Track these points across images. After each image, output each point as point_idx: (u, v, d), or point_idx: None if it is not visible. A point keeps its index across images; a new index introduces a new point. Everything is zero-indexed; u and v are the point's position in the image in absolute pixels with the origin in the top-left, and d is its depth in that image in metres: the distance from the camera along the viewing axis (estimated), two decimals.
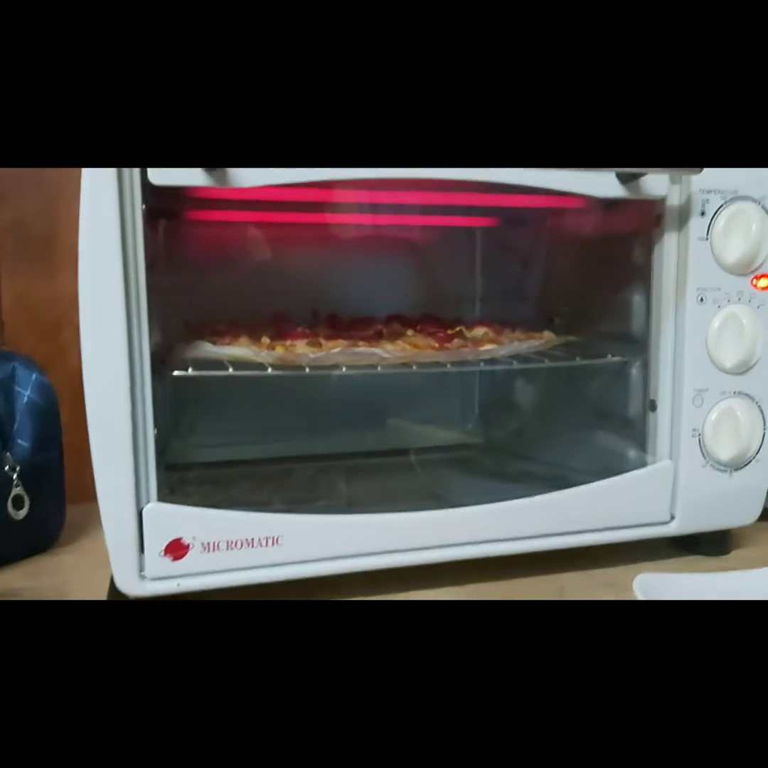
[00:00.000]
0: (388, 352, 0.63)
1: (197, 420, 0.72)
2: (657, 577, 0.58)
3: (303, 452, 0.80)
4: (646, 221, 0.65)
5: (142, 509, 0.54)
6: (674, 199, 0.63)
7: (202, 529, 0.55)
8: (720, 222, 0.64)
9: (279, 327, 0.69)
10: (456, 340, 0.68)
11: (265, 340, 0.65)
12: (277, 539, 0.56)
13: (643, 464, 0.67)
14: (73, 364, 0.86)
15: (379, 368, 0.62)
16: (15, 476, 0.66)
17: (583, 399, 0.76)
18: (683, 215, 0.64)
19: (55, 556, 0.72)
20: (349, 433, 0.83)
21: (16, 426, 0.67)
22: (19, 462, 0.67)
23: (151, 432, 0.54)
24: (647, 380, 0.68)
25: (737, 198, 0.64)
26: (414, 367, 0.63)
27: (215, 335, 0.65)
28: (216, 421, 0.76)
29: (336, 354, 0.61)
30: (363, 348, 0.62)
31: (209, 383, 0.58)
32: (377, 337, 0.67)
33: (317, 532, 0.58)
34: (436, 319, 0.78)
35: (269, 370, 0.60)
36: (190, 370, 0.58)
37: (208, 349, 0.62)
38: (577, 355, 0.71)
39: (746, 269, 0.65)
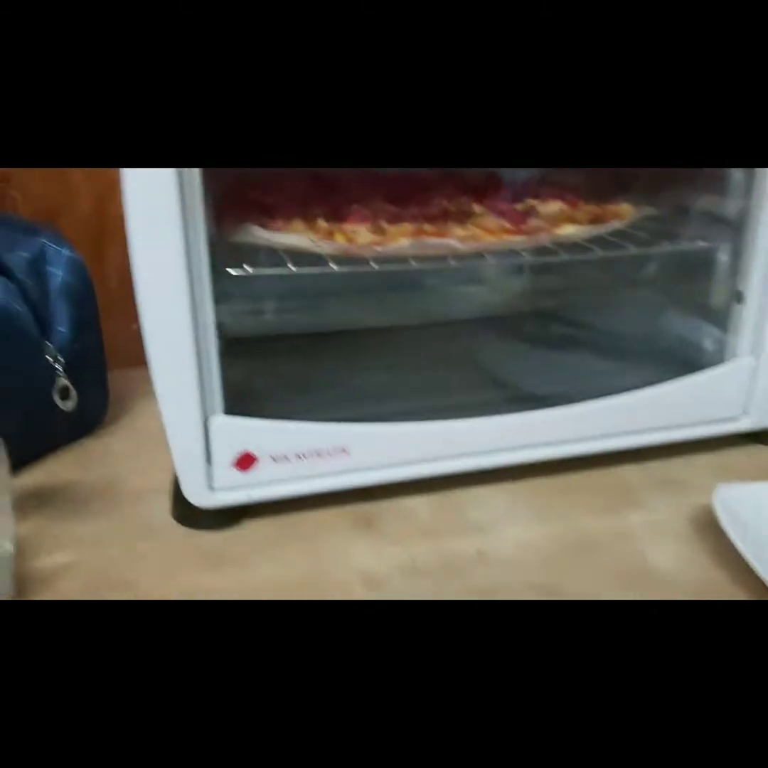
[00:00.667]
0: (461, 242, 0.57)
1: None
2: (737, 488, 0.56)
3: (349, 325, 0.75)
4: None
5: (208, 422, 0.51)
6: None
7: (270, 441, 0.52)
8: None
9: (328, 199, 0.62)
10: (531, 221, 0.61)
11: (322, 224, 0.58)
12: (344, 449, 0.54)
13: (719, 358, 0.64)
14: (84, 208, 0.79)
15: (451, 261, 0.56)
16: (59, 366, 0.62)
17: (658, 280, 0.71)
18: None
19: (101, 439, 0.70)
20: (393, 302, 0.78)
21: (51, 311, 0.62)
22: (59, 349, 0.62)
23: (213, 339, 0.49)
24: (737, 269, 0.62)
25: None
26: (488, 258, 0.57)
27: (262, 212, 0.58)
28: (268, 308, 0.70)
29: (405, 247, 0.55)
30: (432, 239, 0.56)
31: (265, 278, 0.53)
32: (443, 218, 0.60)
33: (383, 440, 0.55)
34: (499, 183, 0.70)
35: (333, 266, 0.54)
36: (246, 267, 0.52)
37: (260, 235, 0.56)
38: (660, 237, 0.64)
39: None
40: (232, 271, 0.51)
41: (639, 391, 0.60)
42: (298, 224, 0.57)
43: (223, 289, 0.50)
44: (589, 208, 0.67)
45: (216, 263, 0.49)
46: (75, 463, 0.65)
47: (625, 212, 0.67)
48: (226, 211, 0.57)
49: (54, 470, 0.64)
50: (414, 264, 0.55)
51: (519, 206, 0.65)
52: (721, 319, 0.64)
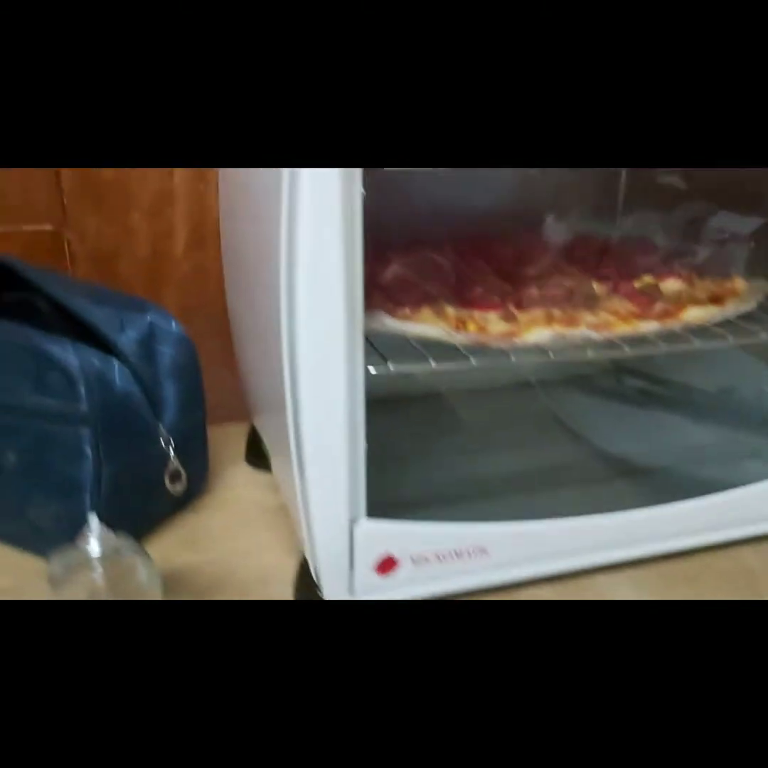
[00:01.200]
0: (595, 329, 0.55)
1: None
2: None
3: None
4: None
5: (353, 526, 0.49)
6: None
7: (411, 543, 0.51)
8: None
9: (444, 277, 0.60)
10: (658, 305, 0.60)
11: (450, 311, 0.56)
12: (483, 549, 0.53)
13: None
14: (141, 251, 0.78)
15: (589, 352, 0.55)
16: (172, 450, 0.60)
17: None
18: None
19: (200, 514, 0.68)
20: None
21: (162, 391, 0.61)
22: (169, 430, 0.61)
23: (363, 441, 0.48)
24: None
25: None
26: (626, 349, 0.56)
27: (388, 298, 0.56)
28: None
29: (544, 339, 0.53)
30: (569, 330, 0.55)
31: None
32: (568, 299, 0.59)
33: (521, 540, 0.54)
34: (612, 253, 0.69)
35: (472, 360, 0.52)
36: (390, 365, 0.50)
37: (390, 324, 0.54)
38: None
39: None
40: (373, 370, 0.49)
41: (757, 484, 0.59)
42: (427, 312, 0.56)
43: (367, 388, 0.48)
44: (705, 285, 0.65)
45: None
46: (182, 544, 0.63)
47: (740, 288, 0.66)
48: None
49: (164, 553, 0.62)
50: (552, 356, 0.54)
51: (637, 284, 0.63)
52: None
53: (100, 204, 0.77)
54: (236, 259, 0.64)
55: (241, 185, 0.57)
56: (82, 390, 0.53)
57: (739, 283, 0.66)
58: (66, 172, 0.75)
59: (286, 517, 0.64)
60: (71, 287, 0.62)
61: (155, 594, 0.49)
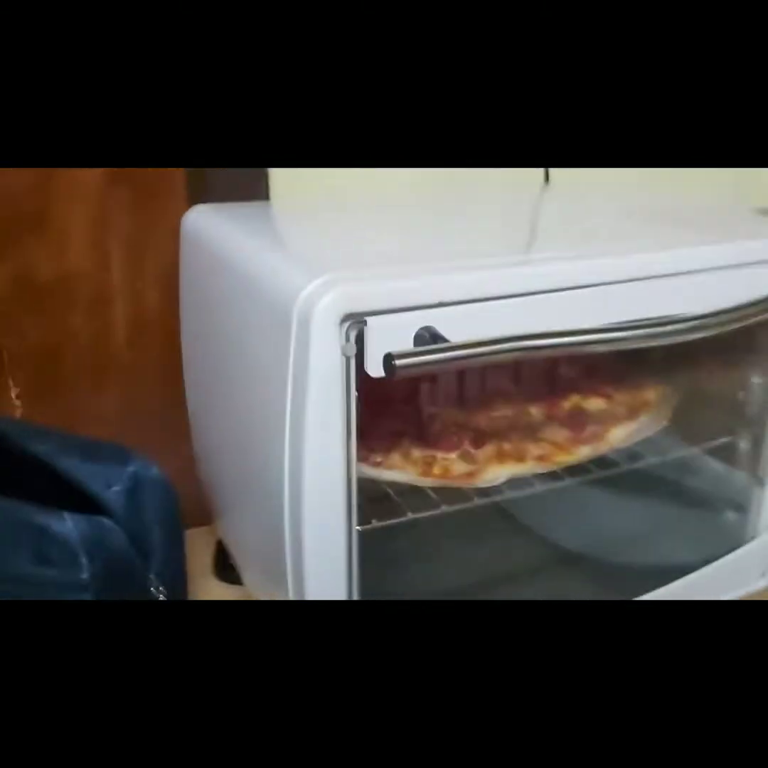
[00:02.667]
0: (540, 463, 0.64)
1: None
2: None
3: None
4: None
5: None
6: None
7: None
8: None
9: (412, 418, 0.68)
10: (588, 428, 0.69)
11: (417, 454, 0.63)
12: None
13: (739, 535, 0.74)
14: (83, 349, 0.79)
15: (536, 486, 0.63)
16: (161, 595, 0.64)
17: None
18: None
19: None
20: None
21: (150, 540, 0.65)
22: (158, 574, 0.65)
23: (356, 587, 0.54)
24: (757, 458, 0.72)
25: None
26: (565, 480, 0.65)
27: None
28: None
29: (500, 479, 0.62)
30: (517, 467, 0.63)
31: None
32: (513, 429, 0.67)
33: None
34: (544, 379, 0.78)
35: (444, 507, 0.59)
36: (373, 521, 0.57)
37: (365, 471, 0.61)
38: (690, 434, 0.73)
39: None
40: (359, 528, 0.55)
41: (684, 579, 0.69)
42: (396, 456, 0.63)
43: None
44: (622, 399, 0.75)
45: None
46: None
47: (652, 398, 0.76)
48: None
49: None
50: (508, 494, 0.62)
51: (567, 405, 0.73)
52: (742, 500, 0.74)
53: (37, 307, 0.79)
54: (212, 375, 0.68)
55: (221, 304, 0.61)
56: (84, 560, 0.57)
57: (651, 394, 0.76)
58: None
59: None
60: (47, 439, 0.65)
61: None
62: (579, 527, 0.80)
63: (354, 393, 0.47)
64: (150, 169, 0.81)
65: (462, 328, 0.47)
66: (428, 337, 0.46)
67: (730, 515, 0.76)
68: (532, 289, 0.51)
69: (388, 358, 0.43)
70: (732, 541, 0.73)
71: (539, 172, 0.90)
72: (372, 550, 0.55)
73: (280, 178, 0.79)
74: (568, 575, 0.75)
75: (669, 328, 0.52)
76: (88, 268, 0.81)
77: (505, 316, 0.49)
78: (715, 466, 0.76)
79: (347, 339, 0.45)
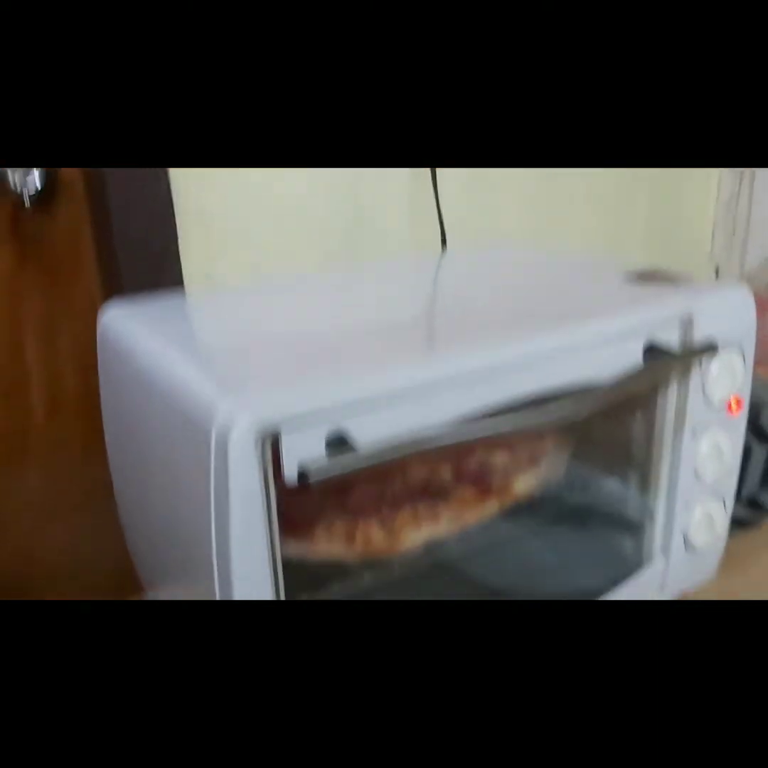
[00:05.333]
0: (452, 523, 0.70)
1: None
2: None
3: None
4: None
5: None
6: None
7: None
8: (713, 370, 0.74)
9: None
10: (494, 483, 0.76)
11: (339, 525, 0.68)
12: None
13: (636, 559, 0.82)
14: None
15: (453, 546, 0.69)
16: None
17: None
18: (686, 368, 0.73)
19: None
20: None
21: None
22: None
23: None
24: (645, 495, 0.80)
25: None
26: (477, 539, 0.71)
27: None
28: None
29: (416, 546, 0.67)
30: (430, 529, 0.68)
31: None
32: (426, 491, 0.73)
33: None
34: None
35: (367, 578, 0.64)
36: (302, 597, 0.61)
37: (290, 548, 0.65)
38: (589, 473, 0.81)
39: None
40: None
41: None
42: (319, 530, 0.67)
43: None
44: (522, 448, 0.82)
45: None
46: None
47: (549, 445, 0.83)
48: None
49: None
50: (426, 560, 0.67)
51: (474, 463, 0.79)
52: (637, 530, 0.82)
53: None
54: (133, 470, 0.71)
55: (140, 411, 0.63)
56: None
57: (549, 442, 0.83)
58: None
59: None
60: None
61: None
62: (502, 567, 0.86)
63: (274, 501, 0.51)
64: (59, 249, 0.82)
65: (372, 426, 0.52)
66: (339, 442, 0.51)
67: (628, 542, 0.84)
68: (435, 380, 0.56)
69: (303, 474, 0.48)
70: (631, 566, 0.81)
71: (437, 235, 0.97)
72: None
73: (192, 261, 0.83)
74: None
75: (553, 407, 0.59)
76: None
77: (412, 411, 0.55)
78: (613, 497, 0.84)
79: (263, 455, 0.49)
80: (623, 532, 0.84)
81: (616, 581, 0.79)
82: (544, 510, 0.80)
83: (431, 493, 0.73)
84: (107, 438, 0.76)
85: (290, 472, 0.49)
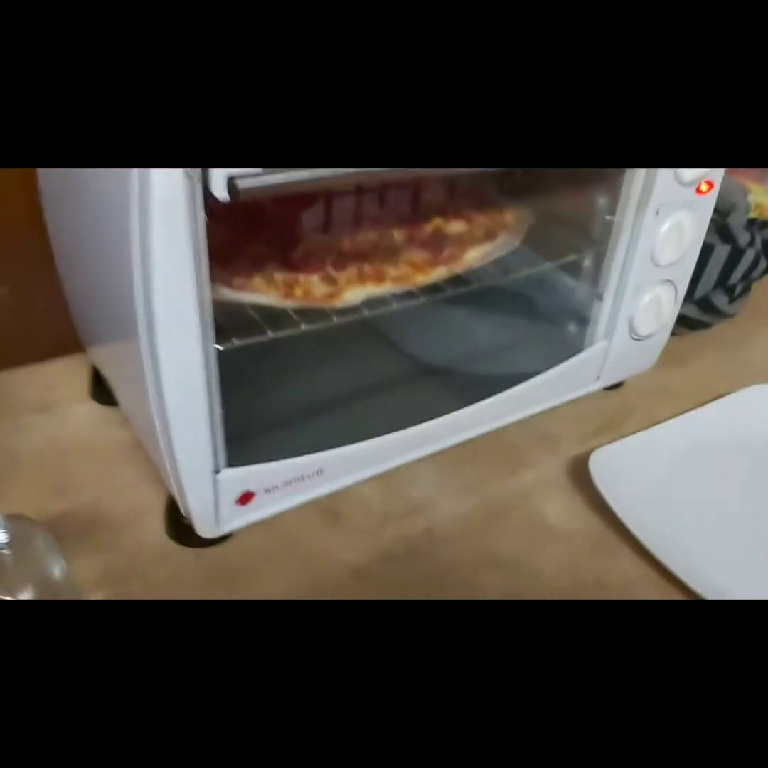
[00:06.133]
0: (397, 284, 0.67)
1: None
2: (608, 450, 0.77)
3: None
4: None
5: (218, 475, 0.60)
6: None
7: (264, 479, 0.63)
8: None
9: (278, 243, 0.68)
10: (445, 251, 0.73)
11: (279, 277, 0.65)
12: (319, 470, 0.66)
13: (579, 343, 0.82)
14: None
15: (394, 305, 0.67)
16: None
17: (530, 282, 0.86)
18: None
19: (66, 459, 0.75)
20: None
21: None
22: None
23: (218, 408, 0.57)
24: (597, 274, 0.78)
25: None
26: (420, 299, 0.69)
27: (222, 267, 0.64)
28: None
29: (357, 299, 0.65)
30: (376, 287, 0.66)
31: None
32: (375, 252, 0.70)
33: (349, 457, 0.68)
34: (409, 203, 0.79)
35: (302, 325, 0.63)
36: (234, 340, 0.59)
37: (227, 294, 0.62)
38: (542, 254, 0.78)
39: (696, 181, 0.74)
40: (219, 347, 0.58)
41: (528, 381, 0.77)
42: (258, 280, 0.64)
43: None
44: (480, 221, 0.78)
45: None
46: (53, 493, 0.71)
47: (509, 220, 0.80)
48: None
49: (38, 504, 0.69)
50: (366, 313, 0.65)
51: (429, 228, 0.75)
52: (582, 312, 0.81)
53: None
54: (65, 212, 0.67)
55: None
56: None
57: (509, 216, 0.80)
58: None
59: (144, 453, 0.73)
60: None
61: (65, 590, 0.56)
62: (438, 343, 0.86)
63: (202, 215, 0.48)
64: None
65: None
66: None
67: (573, 326, 0.83)
68: None
69: (231, 181, 0.44)
70: (573, 349, 0.81)
71: None
72: (234, 371, 0.59)
73: None
74: (427, 386, 0.82)
75: None
76: None
77: None
78: (563, 282, 0.83)
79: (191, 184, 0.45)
80: (569, 317, 0.84)
81: (553, 364, 0.79)
82: (492, 293, 0.78)
83: (380, 255, 0.70)
84: (43, 200, 0.71)
85: (219, 185, 0.45)
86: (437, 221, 0.76)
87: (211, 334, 0.55)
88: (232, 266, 0.64)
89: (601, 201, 0.76)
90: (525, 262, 0.76)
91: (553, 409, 0.83)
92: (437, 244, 0.73)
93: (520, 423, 0.82)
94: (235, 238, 0.67)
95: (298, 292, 0.65)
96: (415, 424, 0.71)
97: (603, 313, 0.80)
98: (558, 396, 0.83)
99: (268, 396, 0.74)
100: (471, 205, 0.79)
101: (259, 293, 0.63)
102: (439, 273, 0.71)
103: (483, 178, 0.85)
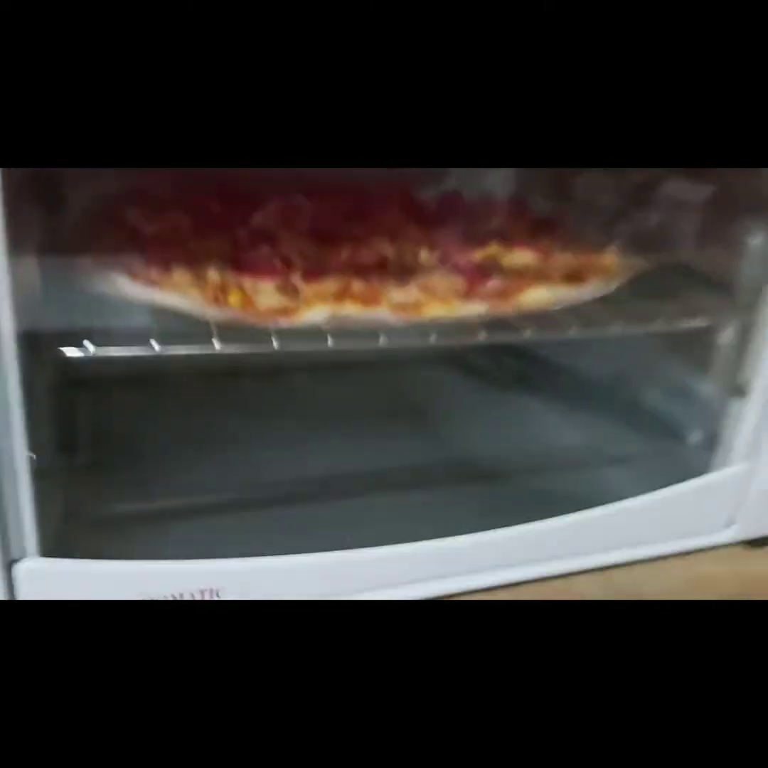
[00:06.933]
0: (396, 313, 0.43)
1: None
2: None
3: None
4: None
5: (12, 563, 0.37)
6: None
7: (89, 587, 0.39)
8: None
9: (232, 229, 0.47)
10: (493, 281, 0.48)
11: (214, 275, 0.43)
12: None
13: (702, 463, 0.52)
14: None
15: (381, 340, 0.42)
16: None
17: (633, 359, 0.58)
18: None
19: None
20: None
21: None
22: None
23: (22, 454, 0.35)
24: (740, 358, 0.50)
25: None
26: (432, 338, 0.43)
27: (132, 248, 0.43)
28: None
29: (319, 320, 0.41)
30: (361, 310, 0.42)
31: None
32: (379, 269, 0.46)
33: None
34: (456, 207, 0.56)
35: (215, 343, 0.39)
36: (90, 347, 0.37)
37: (126, 289, 0.41)
38: (649, 300, 0.51)
39: None
40: (68, 352, 0.36)
41: (612, 505, 0.48)
42: (182, 274, 0.42)
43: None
44: (565, 259, 0.53)
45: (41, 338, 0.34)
46: None
47: (609, 264, 0.54)
48: (79, 243, 0.42)
49: None
50: (331, 344, 0.41)
51: (479, 255, 0.51)
52: (711, 413, 0.52)
53: None
54: None
55: None
56: None
57: (609, 258, 0.54)
58: None
59: None
60: None
61: None
62: (464, 425, 0.60)
63: None
64: None
65: None
66: None
67: (695, 436, 0.54)
68: None
69: None
70: (690, 470, 0.51)
71: None
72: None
73: None
74: (435, 493, 0.55)
75: None
76: None
77: None
78: (683, 366, 0.54)
79: None
80: (690, 422, 0.56)
81: (655, 487, 0.50)
82: (566, 368, 0.52)
83: (384, 272, 0.47)
84: None
85: None
86: (494, 248, 0.52)
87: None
88: (148, 249, 0.43)
89: (756, 239, 0.48)
90: (616, 318, 0.49)
91: (652, 562, 0.54)
92: (480, 274, 0.49)
93: (602, 575, 0.52)
94: (160, 212, 0.47)
95: (233, 298, 0.42)
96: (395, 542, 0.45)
97: (745, 419, 0.50)
98: (661, 540, 0.53)
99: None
100: (552, 234, 0.54)
101: (173, 292, 0.41)
102: (472, 308, 0.46)
103: (584, 208, 0.60)
